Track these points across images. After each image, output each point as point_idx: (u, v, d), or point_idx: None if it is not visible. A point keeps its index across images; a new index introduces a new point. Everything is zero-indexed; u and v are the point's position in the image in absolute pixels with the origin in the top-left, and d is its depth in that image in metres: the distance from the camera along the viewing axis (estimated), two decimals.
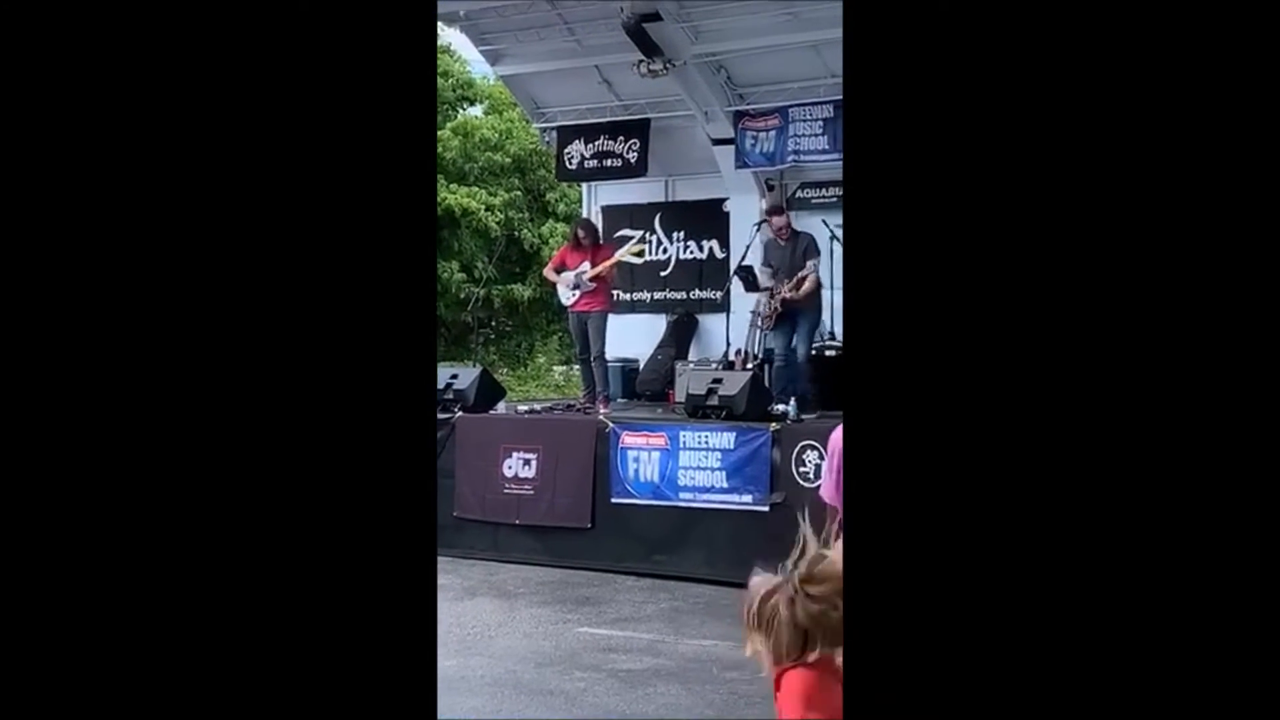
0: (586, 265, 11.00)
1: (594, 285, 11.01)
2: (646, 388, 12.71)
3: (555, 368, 21.80)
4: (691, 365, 12.10)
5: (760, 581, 2.59)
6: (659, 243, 13.63)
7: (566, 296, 11.20)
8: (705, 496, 9.59)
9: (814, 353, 10.85)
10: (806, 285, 10.36)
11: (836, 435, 4.09)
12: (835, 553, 2.56)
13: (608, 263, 11.13)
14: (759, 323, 10.87)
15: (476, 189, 22.17)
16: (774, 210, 10.98)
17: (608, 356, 11.46)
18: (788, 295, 10.40)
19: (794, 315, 10.51)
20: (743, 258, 11.43)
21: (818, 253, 10.49)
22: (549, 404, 12.71)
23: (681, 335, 13.26)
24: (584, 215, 13.30)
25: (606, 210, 13.79)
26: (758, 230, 11.58)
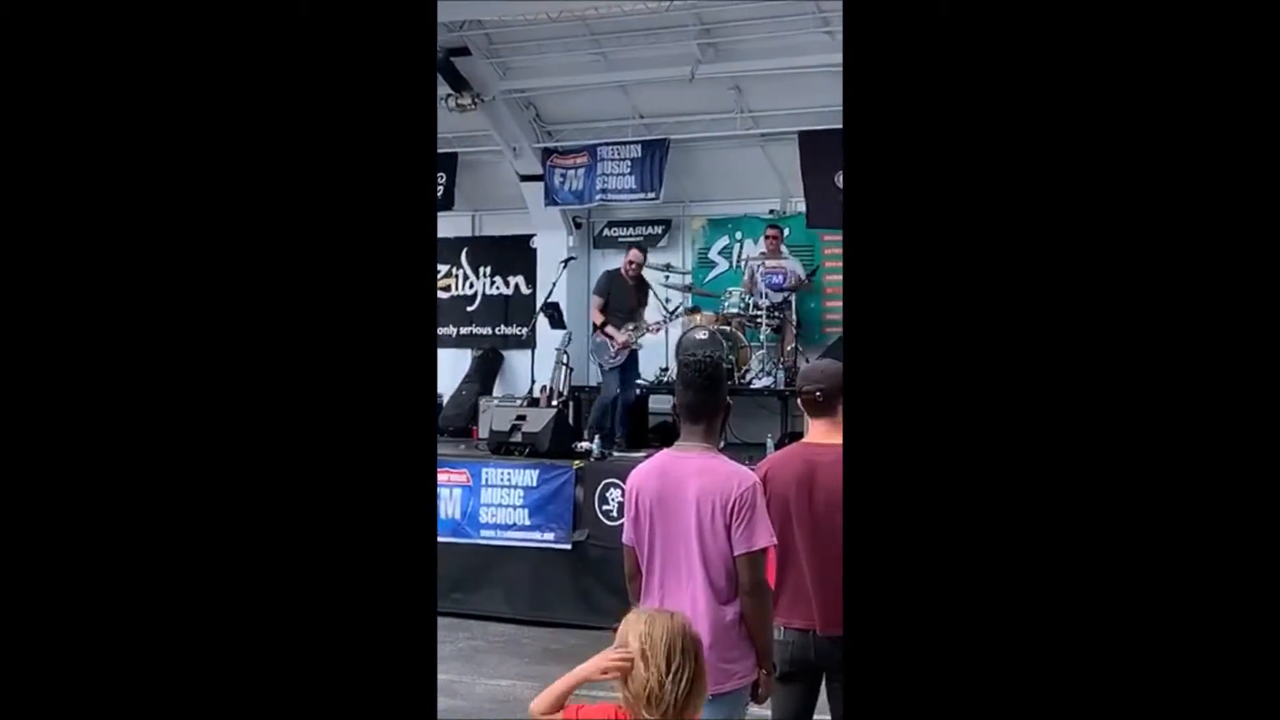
0: None
1: None
2: (450, 423, 12.57)
3: None
4: (496, 401, 12.02)
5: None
6: (465, 278, 13.53)
7: None
8: (507, 534, 9.50)
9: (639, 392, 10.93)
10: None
11: (634, 475, 4.07)
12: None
13: None
14: (610, 358, 10.70)
15: None
16: (640, 248, 10.95)
17: None
18: (653, 332, 10.42)
19: (635, 353, 10.52)
20: (549, 294, 11.42)
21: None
22: None
23: (486, 371, 13.17)
24: None
25: None
26: (564, 267, 11.60)
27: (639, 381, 11.04)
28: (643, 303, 10.61)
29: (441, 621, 9.34)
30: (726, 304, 10.72)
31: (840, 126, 9.90)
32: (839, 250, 11.88)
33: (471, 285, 13.49)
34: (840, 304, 11.23)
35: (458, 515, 9.68)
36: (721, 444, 4.14)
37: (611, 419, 10.35)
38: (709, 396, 3.99)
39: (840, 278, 11.68)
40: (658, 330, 10.55)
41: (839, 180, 11.13)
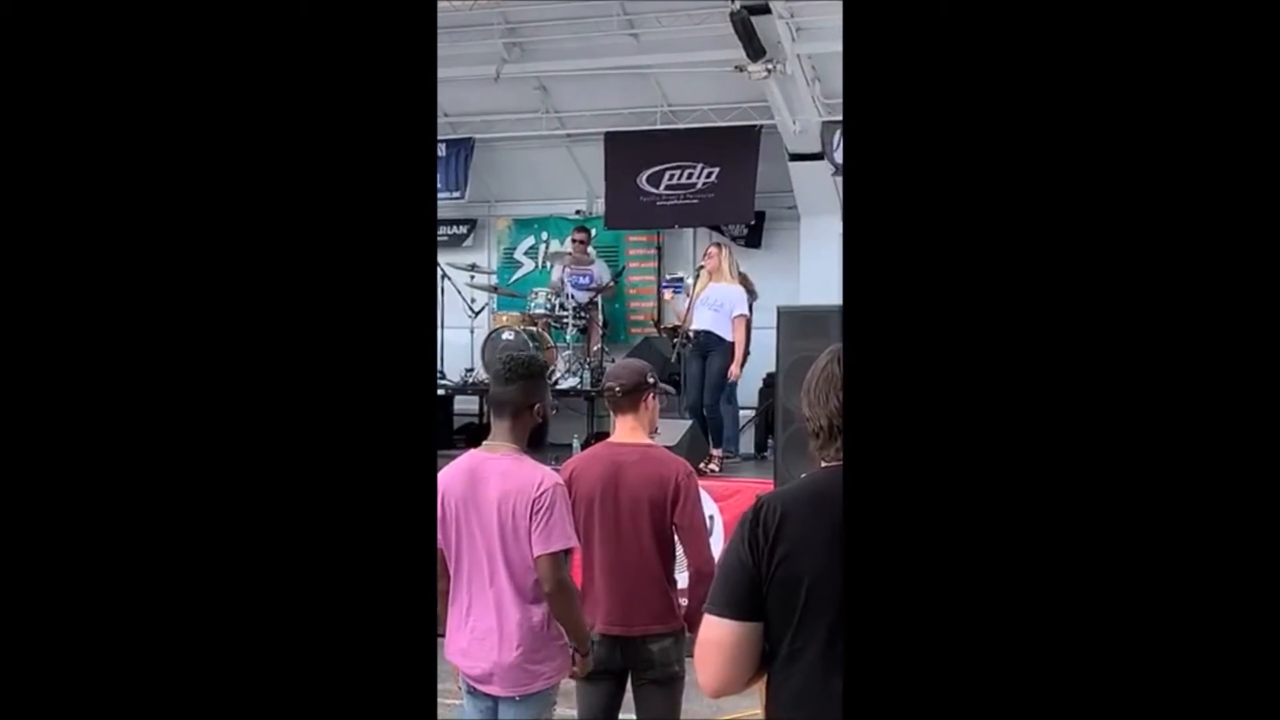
0: None
1: None
2: None
3: None
4: None
5: None
6: None
7: None
8: None
9: None
10: None
11: (442, 476, 4.04)
12: None
13: None
14: None
15: None
16: None
17: None
18: None
19: None
20: None
21: None
22: None
23: None
24: None
25: None
26: None
27: (443, 381, 10.94)
28: None
29: None
30: (533, 304, 10.70)
31: (644, 128, 9.98)
32: (644, 251, 12.01)
33: None
34: (642, 304, 11.37)
35: None
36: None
37: None
38: (516, 393, 3.99)
39: (646, 278, 11.84)
40: None
41: (641, 181, 11.24)
